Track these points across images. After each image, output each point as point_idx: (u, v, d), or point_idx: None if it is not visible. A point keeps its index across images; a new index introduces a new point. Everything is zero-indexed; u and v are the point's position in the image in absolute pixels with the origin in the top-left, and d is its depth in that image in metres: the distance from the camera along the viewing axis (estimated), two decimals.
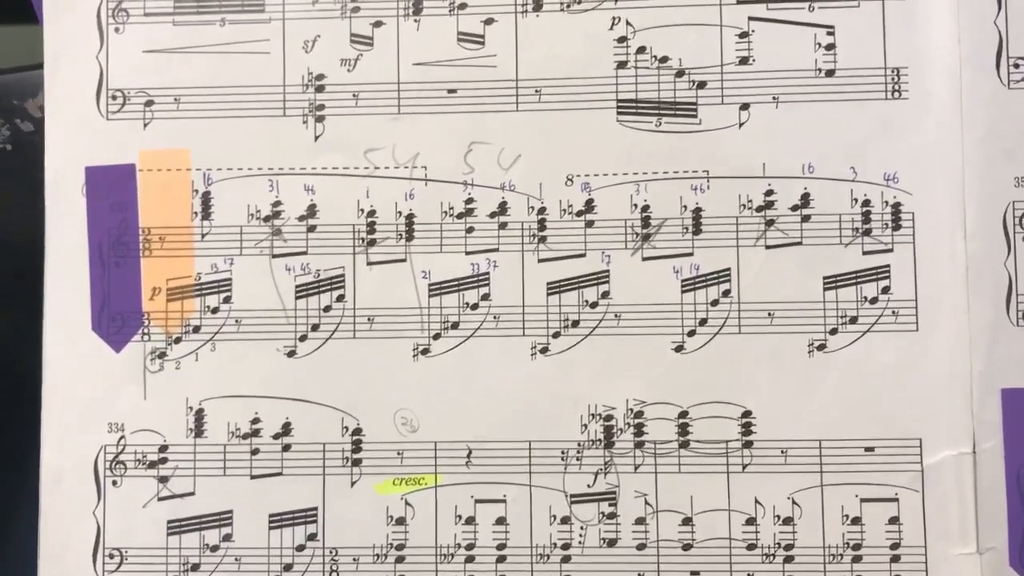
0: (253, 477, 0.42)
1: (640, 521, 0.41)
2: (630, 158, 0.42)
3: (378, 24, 0.43)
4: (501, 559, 0.41)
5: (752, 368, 0.41)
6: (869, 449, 0.41)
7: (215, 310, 0.42)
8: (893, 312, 0.41)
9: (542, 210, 0.42)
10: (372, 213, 0.42)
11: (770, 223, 0.42)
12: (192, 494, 0.42)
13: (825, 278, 0.41)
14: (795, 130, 0.42)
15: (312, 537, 0.42)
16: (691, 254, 0.42)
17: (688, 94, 0.42)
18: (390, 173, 0.42)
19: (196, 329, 0.42)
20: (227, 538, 0.42)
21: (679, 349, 0.41)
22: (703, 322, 0.41)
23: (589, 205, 0.42)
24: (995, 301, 0.41)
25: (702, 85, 0.42)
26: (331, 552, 0.42)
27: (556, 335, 0.42)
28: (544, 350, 0.42)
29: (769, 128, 0.42)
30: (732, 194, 0.42)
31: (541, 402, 0.41)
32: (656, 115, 0.42)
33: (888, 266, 0.41)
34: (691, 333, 0.41)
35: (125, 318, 0.43)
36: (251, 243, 0.43)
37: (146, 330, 0.42)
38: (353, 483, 0.42)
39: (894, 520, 0.41)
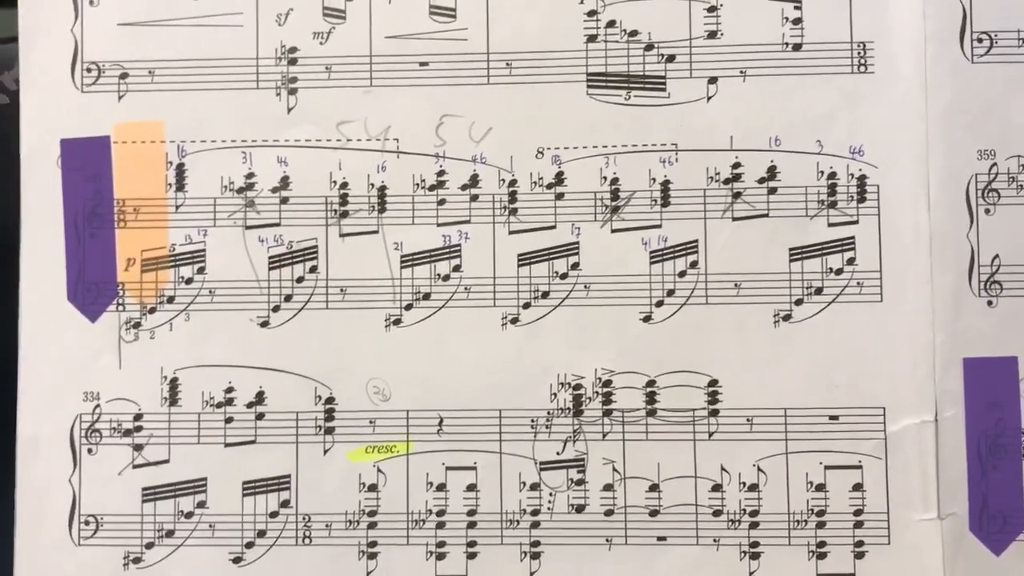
0: (227, 445, 0.43)
1: (608, 488, 0.42)
2: (600, 131, 0.42)
3: None
4: (471, 525, 0.42)
5: (719, 338, 0.42)
6: (833, 417, 0.41)
7: (189, 281, 0.43)
8: (858, 283, 0.42)
9: (513, 182, 0.43)
10: (344, 185, 0.43)
11: (737, 195, 0.42)
12: (167, 462, 0.43)
13: (791, 250, 0.42)
14: (762, 103, 0.42)
15: (285, 504, 0.42)
16: (659, 226, 0.42)
17: (657, 68, 0.42)
18: (362, 145, 0.43)
19: (170, 299, 0.43)
20: (201, 505, 0.42)
21: (647, 319, 0.42)
22: (671, 293, 0.42)
23: (559, 177, 0.42)
24: (958, 272, 0.41)
25: (671, 59, 0.42)
26: (304, 518, 0.42)
27: (526, 306, 0.42)
28: (514, 320, 0.42)
29: (737, 101, 0.42)
30: (700, 167, 0.42)
31: (511, 371, 0.42)
32: (625, 88, 0.42)
33: (853, 238, 0.42)
34: (659, 304, 0.42)
35: (100, 288, 0.43)
36: (225, 214, 0.43)
37: (121, 300, 0.43)
38: (326, 451, 0.42)
39: (858, 487, 0.41)
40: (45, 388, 0.43)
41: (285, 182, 0.43)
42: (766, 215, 0.42)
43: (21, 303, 0.43)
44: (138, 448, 0.43)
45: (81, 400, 0.43)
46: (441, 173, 0.43)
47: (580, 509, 0.42)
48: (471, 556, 0.42)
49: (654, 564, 0.41)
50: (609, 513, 0.42)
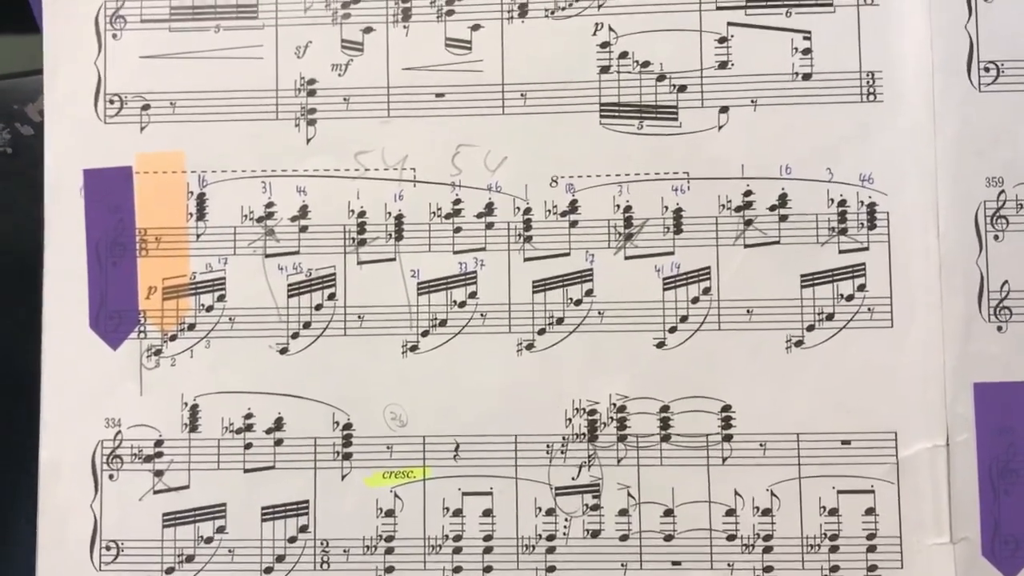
0: (246, 471, 0.43)
1: (623, 513, 0.42)
2: (613, 160, 0.43)
3: (368, 30, 0.44)
4: (488, 550, 0.42)
5: (732, 364, 0.42)
6: (846, 442, 0.42)
7: (209, 308, 0.44)
8: (868, 309, 0.42)
9: (527, 210, 0.43)
10: (362, 214, 0.44)
11: (749, 223, 0.43)
12: (187, 487, 0.43)
13: (802, 276, 0.42)
14: (773, 132, 0.43)
15: (304, 529, 0.43)
16: (672, 253, 0.43)
17: (669, 97, 0.43)
18: (380, 175, 0.44)
19: (191, 327, 0.44)
20: (221, 530, 0.43)
21: (661, 345, 0.43)
22: (684, 319, 0.43)
23: (573, 205, 0.43)
24: (967, 298, 0.42)
25: (683, 89, 0.43)
26: (322, 544, 0.43)
27: (541, 332, 0.43)
28: (530, 346, 0.43)
29: (747, 130, 0.43)
30: (712, 195, 0.43)
31: (527, 397, 0.43)
32: (638, 118, 0.43)
33: (863, 264, 0.42)
34: (672, 330, 0.43)
35: (122, 316, 0.44)
36: (244, 243, 0.44)
37: (142, 328, 0.44)
38: (344, 476, 0.43)
39: (870, 511, 0.42)
40: (67, 414, 0.43)
41: (304, 211, 0.44)
42: (777, 242, 0.43)
43: (44, 330, 0.44)
44: (159, 474, 0.43)
45: (103, 426, 0.43)
46: (457, 201, 0.43)
47: (595, 534, 0.42)
48: None
49: None
50: (624, 538, 0.42)
